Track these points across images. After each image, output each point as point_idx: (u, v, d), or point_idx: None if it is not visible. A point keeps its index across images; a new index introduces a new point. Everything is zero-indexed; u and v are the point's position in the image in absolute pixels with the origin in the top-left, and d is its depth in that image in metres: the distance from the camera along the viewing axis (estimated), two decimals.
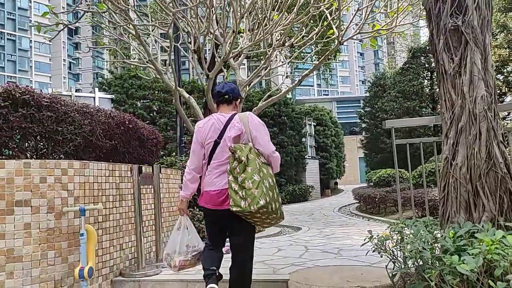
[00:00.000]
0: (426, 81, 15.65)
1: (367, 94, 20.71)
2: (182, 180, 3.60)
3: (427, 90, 15.01)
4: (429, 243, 2.76)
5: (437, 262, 2.57)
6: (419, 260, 2.69)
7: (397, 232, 3.35)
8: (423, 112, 14.33)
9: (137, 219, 4.52)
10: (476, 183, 2.91)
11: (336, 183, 27.28)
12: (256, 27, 8.66)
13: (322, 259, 4.89)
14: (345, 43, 8.94)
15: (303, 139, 22.47)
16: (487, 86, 2.98)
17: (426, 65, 15.30)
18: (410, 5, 7.21)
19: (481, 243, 2.32)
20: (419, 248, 2.66)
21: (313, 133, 23.99)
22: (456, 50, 3.10)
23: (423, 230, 3.15)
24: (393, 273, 3.10)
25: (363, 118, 20.57)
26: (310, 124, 23.63)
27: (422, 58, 15.36)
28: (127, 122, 5.45)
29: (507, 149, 3.03)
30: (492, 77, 3.03)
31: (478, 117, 2.93)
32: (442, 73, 3.17)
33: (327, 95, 66.56)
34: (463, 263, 2.11)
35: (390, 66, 24.71)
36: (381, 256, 3.36)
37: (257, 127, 3.06)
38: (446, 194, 3.11)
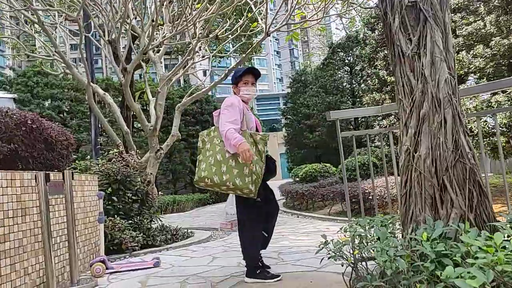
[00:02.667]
0: (346, 75, 15.98)
1: (289, 90, 20.85)
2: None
3: (347, 85, 15.31)
4: (402, 248, 2.41)
5: (414, 272, 2.21)
6: (392, 269, 2.31)
7: (357, 236, 2.98)
8: (343, 106, 14.60)
9: (45, 236, 3.71)
10: (443, 176, 2.61)
11: None
12: (177, 18, 8.00)
13: None
14: (263, 43, 8.59)
15: None
16: (449, 68, 2.70)
17: (346, 60, 15.61)
18: None
19: (469, 247, 1.98)
20: (392, 256, 2.28)
21: None
22: (414, 30, 2.79)
23: (387, 234, 2.80)
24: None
25: (285, 114, 20.63)
26: None
27: (341, 53, 15.65)
28: (30, 122, 4.57)
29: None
30: (453, 59, 2.76)
31: (443, 102, 2.64)
32: (399, 55, 2.84)
33: None
34: (461, 276, 1.74)
35: (306, 64, 25.15)
36: (341, 265, 2.97)
37: (221, 109, 3.50)
38: (408, 189, 2.78)
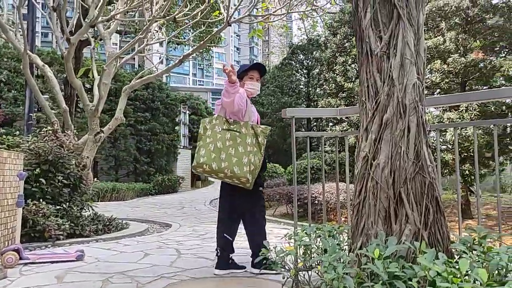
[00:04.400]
0: (303, 78, 15.91)
1: None
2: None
3: (304, 88, 15.25)
4: (350, 265, 2.17)
5: None
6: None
7: (301, 246, 2.73)
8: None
9: None
10: (400, 188, 2.41)
11: None
12: None
13: (199, 268, 4.15)
14: (223, 36, 8.24)
15: (177, 128, 21.43)
16: (418, 73, 2.50)
17: (305, 63, 15.54)
18: None
19: (427, 271, 1.76)
20: (341, 273, 2.03)
21: (188, 122, 23.09)
22: (386, 27, 2.57)
23: (335, 247, 2.56)
24: None
25: None
26: (185, 113, 22.67)
27: (301, 55, 15.57)
28: None
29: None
30: (423, 63, 2.57)
31: (408, 109, 2.43)
32: (367, 53, 2.61)
33: (202, 85, 66.04)
34: None
35: (265, 63, 25.00)
36: (282, 277, 2.72)
37: None
38: (362, 199, 2.56)
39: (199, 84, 67.00)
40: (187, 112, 23.06)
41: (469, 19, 8.11)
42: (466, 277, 1.58)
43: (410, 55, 2.48)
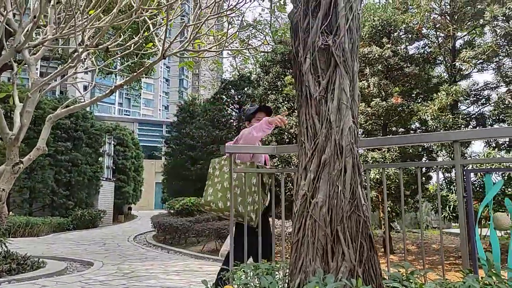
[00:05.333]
0: (234, 113, 16.11)
1: (175, 119, 20.35)
2: None
3: (235, 123, 15.43)
4: None
5: None
6: None
7: (242, 285, 2.70)
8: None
9: None
10: (337, 226, 2.51)
11: (130, 209, 25.70)
12: (64, 21, 7.21)
13: None
14: (154, 67, 8.28)
15: (100, 159, 20.48)
16: (353, 117, 2.67)
17: (236, 98, 15.80)
18: (241, 30, 7.03)
19: None
20: None
21: (112, 153, 22.20)
22: (324, 73, 2.73)
23: (275, 285, 2.58)
24: None
25: (169, 142, 19.99)
26: (109, 143, 21.81)
27: (232, 90, 15.84)
28: None
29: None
30: (357, 108, 2.75)
31: (345, 150, 2.57)
32: (306, 96, 2.74)
33: (128, 115, 64.25)
34: None
35: (195, 96, 25.10)
36: None
37: (241, 136, 3.90)
38: (301, 237, 2.61)
39: (125, 114, 65.07)
40: (113, 142, 22.21)
41: (389, 66, 8.87)
42: None
43: (346, 100, 2.65)
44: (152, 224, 12.91)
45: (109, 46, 7.49)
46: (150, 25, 7.22)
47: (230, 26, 7.82)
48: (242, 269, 2.95)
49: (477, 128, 7.72)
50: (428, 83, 9.01)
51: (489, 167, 5.11)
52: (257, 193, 3.54)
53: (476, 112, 8.09)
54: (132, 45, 7.74)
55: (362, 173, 2.67)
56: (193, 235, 10.35)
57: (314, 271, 2.49)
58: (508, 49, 7.18)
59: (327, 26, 2.76)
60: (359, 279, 2.24)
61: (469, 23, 8.51)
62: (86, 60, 8.70)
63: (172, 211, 13.28)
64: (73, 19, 5.65)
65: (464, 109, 8.42)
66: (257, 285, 2.70)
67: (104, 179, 20.81)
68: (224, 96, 15.62)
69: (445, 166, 8.13)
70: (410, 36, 9.28)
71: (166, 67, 70.90)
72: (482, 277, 2.31)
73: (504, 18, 7.10)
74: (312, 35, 2.76)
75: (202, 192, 3.93)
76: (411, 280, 2.44)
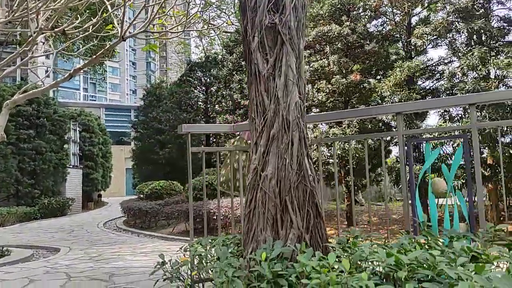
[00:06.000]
0: (201, 95, 16.05)
1: (142, 103, 20.07)
2: None
3: (202, 105, 15.39)
4: (240, 269, 2.32)
5: None
6: None
7: (196, 255, 2.83)
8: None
9: None
10: (285, 197, 2.65)
11: (100, 196, 25.36)
12: (16, 3, 6.98)
13: None
14: (117, 50, 8.15)
15: (66, 146, 20.04)
16: (300, 93, 2.80)
17: (203, 80, 15.72)
18: (200, 11, 7.01)
19: (304, 267, 1.98)
20: (230, 277, 2.18)
21: (78, 139, 21.75)
22: (271, 51, 2.83)
23: (227, 254, 2.72)
24: None
25: (136, 127, 19.73)
26: (75, 130, 21.34)
27: (199, 72, 15.73)
28: None
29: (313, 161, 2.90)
30: (304, 85, 2.87)
31: (292, 125, 2.70)
32: (255, 74, 2.85)
33: (94, 100, 62.70)
34: None
35: (162, 79, 24.73)
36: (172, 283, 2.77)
37: None
38: (252, 209, 2.76)
39: (91, 100, 63.43)
40: (78, 129, 21.73)
41: (349, 44, 9.07)
42: (334, 268, 1.82)
43: (293, 77, 2.76)
44: (122, 209, 12.87)
45: (65, 29, 7.35)
46: (109, 6, 7.12)
47: (192, 6, 7.80)
48: (199, 243, 3.08)
49: None
50: (387, 60, 9.26)
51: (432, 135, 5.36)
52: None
53: (431, 86, 8.40)
54: (91, 27, 7.62)
55: (308, 145, 2.81)
56: (163, 218, 10.41)
57: (265, 240, 2.63)
58: (458, 26, 7.46)
59: (274, 5, 2.85)
60: (304, 243, 2.40)
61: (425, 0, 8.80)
62: (44, 43, 8.50)
63: (141, 195, 13.25)
64: (26, 1, 5.51)
65: (420, 84, 8.71)
66: (213, 255, 2.83)
67: (70, 166, 20.42)
68: (190, 78, 15.51)
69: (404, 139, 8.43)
70: (369, 14, 9.47)
71: (132, 50, 69.24)
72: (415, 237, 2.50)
73: None
74: (260, 14, 2.84)
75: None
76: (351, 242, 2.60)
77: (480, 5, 7.52)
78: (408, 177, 3.13)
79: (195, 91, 15.99)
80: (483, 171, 7.06)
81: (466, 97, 3.14)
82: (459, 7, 7.27)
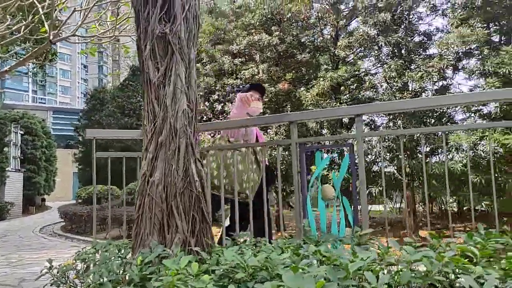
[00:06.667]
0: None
1: (85, 106, 19.58)
2: None
3: None
4: (115, 273, 2.37)
5: None
6: None
7: (81, 260, 2.84)
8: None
9: None
10: (172, 202, 2.73)
11: (43, 200, 24.47)
12: None
13: None
14: (68, 52, 8.03)
15: (6, 149, 19.22)
16: (189, 101, 2.88)
17: None
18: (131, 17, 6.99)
19: (167, 271, 2.06)
20: (102, 279, 2.23)
21: (20, 142, 20.91)
22: (162, 60, 2.91)
23: (114, 256, 2.77)
24: None
25: (79, 131, 19.22)
26: (16, 132, 20.50)
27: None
28: None
29: (204, 167, 2.99)
30: (194, 93, 2.96)
31: (179, 132, 2.78)
32: (147, 82, 2.91)
33: (43, 103, 60.43)
34: None
35: (114, 83, 24.28)
36: None
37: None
38: (141, 214, 2.81)
39: (40, 102, 61.10)
40: (19, 132, 20.90)
41: (281, 54, 9.32)
42: (185, 270, 1.91)
43: (181, 86, 2.85)
44: (59, 214, 12.51)
45: None
46: (40, 9, 6.97)
47: (123, 11, 7.74)
48: (94, 247, 3.09)
49: None
50: (318, 70, 9.57)
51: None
52: (252, 171, 3.69)
53: (357, 96, 8.77)
54: (23, 28, 7.42)
55: (197, 152, 2.90)
56: (99, 223, 10.20)
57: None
58: (377, 38, 7.84)
59: (166, 15, 2.93)
60: (179, 247, 2.48)
61: (348, 13, 9.21)
62: None
63: (79, 200, 12.92)
64: None
65: (347, 94, 9.05)
66: (97, 259, 2.85)
67: (10, 170, 19.60)
68: (132, 83, 15.34)
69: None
70: (300, 24, 9.77)
71: (85, 53, 67.38)
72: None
73: (375, 8, 7.73)
74: (152, 23, 2.91)
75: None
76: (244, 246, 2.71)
77: (399, 20, 7.96)
78: (300, 184, 3.29)
79: (138, 95, 15.82)
80: (401, 179, 7.46)
81: (353, 108, 3.35)
82: (378, 21, 7.66)
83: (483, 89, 6.69)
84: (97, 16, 8.00)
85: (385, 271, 1.66)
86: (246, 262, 1.85)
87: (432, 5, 8.08)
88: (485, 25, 7.43)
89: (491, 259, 1.58)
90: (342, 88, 9.01)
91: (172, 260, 2.19)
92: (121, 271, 2.45)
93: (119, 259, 2.82)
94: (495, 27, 7.79)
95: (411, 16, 8.04)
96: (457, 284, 1.36)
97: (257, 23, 9.47)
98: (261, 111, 4.25)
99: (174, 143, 2.78)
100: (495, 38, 7.83)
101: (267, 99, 8.71)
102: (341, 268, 1.52)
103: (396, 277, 1.46)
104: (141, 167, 2.92)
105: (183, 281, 1.76)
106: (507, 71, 6.57)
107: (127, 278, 2.38)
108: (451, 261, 1.44)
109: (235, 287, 1.80)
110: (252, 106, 4.04)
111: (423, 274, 1.43)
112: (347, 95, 8.65)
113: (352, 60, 9.27)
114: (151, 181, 2.77)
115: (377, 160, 7.99)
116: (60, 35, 7.54)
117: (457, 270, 1.40)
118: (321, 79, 8.01)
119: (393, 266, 1.75)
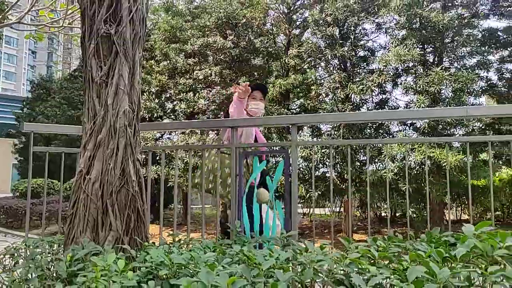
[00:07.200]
0: None
1: (29, 95, 18.71)
2: None
3: None
4: (43, 268, 2.38)
5: None
6: None
7: (10, 255, 2.82)
8: None
9: None
10: (107, 200, 2.77)
11: None
12: None
13: None
14: (16, 37, 7.76)
15: None
16: (131, 102, 2.93)
17: None
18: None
19: (93, 268, 2.12)
20: (29, 275, 2.24)
21: None
22: (106, 59, 2.94)
23: (45, 252, 2.77)
24: None
25: (21, 120, 18.36)
26: None
27: None
28: None
29: (145, 168, 3.05)
30: (137, 94, 3.01)
31: (118, 131, 2.83)
32: (89, 80, 2.94)
33: None
34: None
35: (63, 72, 23.41)
36: None
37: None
38: (75, 211, 2.82)
39: None
40: None
41: (235, 57, 9.48)
42: (111, 266, 1.98)
43: (124, 86, 2.89)
44: None
45: None
46: None
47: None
48: (25, 243, 3.06)
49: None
50: (270, 75, 9.81)
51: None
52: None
53: (303, 104, 9.07)
54: None
55: (136, 152, 2.95)
56: (36, 218, 9.85)
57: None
58: (324, 50, 8.18)
59: (112, 15, 2.96)
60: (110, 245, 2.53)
61: (301, 24, 9.55)
62: None
63: (17, 193, 12.38)
64: None
65: (296, 101, 9.34)
66: (27, 255, 2.84)
67: None
68: (82, 74, 14.85)
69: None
70: (254, 30, 9.98)
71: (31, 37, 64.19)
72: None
73: (324, 22, 8.08)
74: (97, 22, 2.94)
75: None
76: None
77: (346, 35, 8.35)
78: (237, 187, 3.42)
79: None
80: (340, 185, 7.84)
81: (289, 118, 3.54)
82: (325, 34, 8.00)
83: (417, 106, 7.18)
84: (48, 3, 7.78)
85: (299, 269, 1.83)
86: (172, 259, 1.95)
87: (376, 23, 8.57)
88: (421, 45, 8.02)
89: (390, 262, 1.79)
90: (291, 95, 9.30)
91: (101, 257, 2.25)
92: (51, 267, 2.46)
93: (50, 255, 2.82)
94: (430, 48, 8.37)
95: (357, 32, 8.44)
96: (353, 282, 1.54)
97: (213, 25, 9.55)
98: (263, 111, 4.27)
99: (113, 143, 2.82)
100: (430, 58, 8.41)
101: (216, 101, 8.82)
102: (256, 267, 1.65)
103: (302, 274, 1.62)
104: (78, 164, 2.94)
105: (108, 277, 1.83)
106: (435, 90, 7.18)
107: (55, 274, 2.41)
108: (353, 261, 1.63)
109: (157, 283, 1.89)
110: (251, 107, 4.09)
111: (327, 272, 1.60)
112: (296, 102, 8.92)
113: (302, 69, 9.57)
114: (87, 178, 2.80)
115: (319, 166, 8.33)
116: (7, 19, 7.27)
117: (355, 270, 1.59)
118: (271, 85, 8.23)
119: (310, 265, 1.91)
